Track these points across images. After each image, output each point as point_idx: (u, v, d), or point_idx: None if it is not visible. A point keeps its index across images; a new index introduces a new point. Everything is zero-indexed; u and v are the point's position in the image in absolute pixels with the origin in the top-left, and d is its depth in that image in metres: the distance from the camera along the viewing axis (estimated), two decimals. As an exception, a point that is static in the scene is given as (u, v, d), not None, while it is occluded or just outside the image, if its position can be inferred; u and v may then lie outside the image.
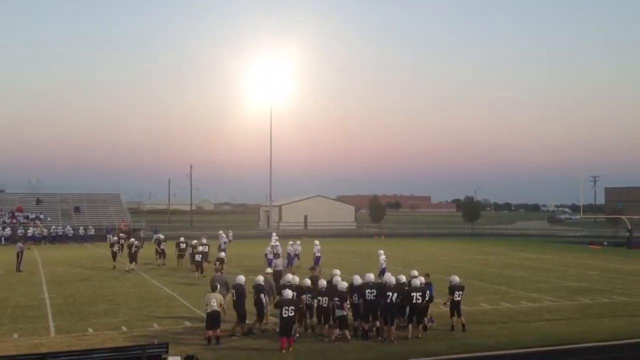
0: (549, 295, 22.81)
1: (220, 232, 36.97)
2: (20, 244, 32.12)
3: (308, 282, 16.29)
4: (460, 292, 16.42)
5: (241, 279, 15.98)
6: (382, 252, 26.49)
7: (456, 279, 16.76)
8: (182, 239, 32.95)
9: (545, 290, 23.96)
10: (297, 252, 30.83)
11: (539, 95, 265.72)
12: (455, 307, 16.29)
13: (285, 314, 14.11)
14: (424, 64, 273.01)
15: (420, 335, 15.35)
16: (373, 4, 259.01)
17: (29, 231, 52.76)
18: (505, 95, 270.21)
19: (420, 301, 15.49)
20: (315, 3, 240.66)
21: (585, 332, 16.21)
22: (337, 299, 15.04)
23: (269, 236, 34.86)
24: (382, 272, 22.28)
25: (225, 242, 34.53)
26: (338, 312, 15.02)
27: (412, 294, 15.49)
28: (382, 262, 25.69)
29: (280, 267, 22.80)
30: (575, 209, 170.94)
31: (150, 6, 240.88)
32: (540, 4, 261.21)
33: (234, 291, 15.61)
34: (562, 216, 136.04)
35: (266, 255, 28.02)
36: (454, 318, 16.28)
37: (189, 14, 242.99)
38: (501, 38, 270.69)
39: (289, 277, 16.68)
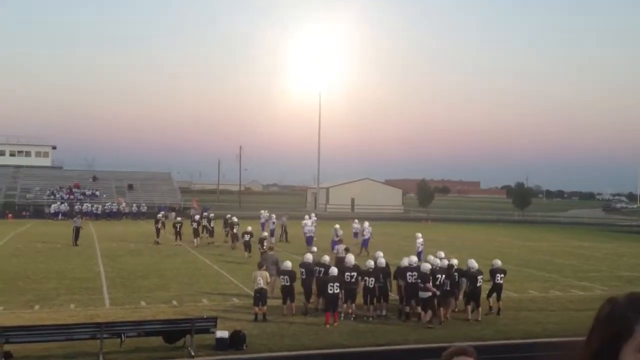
0: (601, 284, 22.22)
1: (261, 211, 38.50)
2: (77, 219, 33.28)
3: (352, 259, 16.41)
4: (502, 275, 16.22)
5: (309, 257, 16.59)
6: (419, 235, 26.47)
7: (498, 262, 16.58)
8: (228, 216, 33.82)
9: (597, 279, 23.36)
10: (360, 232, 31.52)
11: (594, 77, 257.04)
12: (496, 290, 16.13)
13: (330, 290, 14.44)
14: (478, 49, 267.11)
15: (479, 318, 15.36)
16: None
17: (84, 206, 54.84)
18: (558, 78, 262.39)
19: (481, 284, 15.66)
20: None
21: (638, 323, 15.74)
22: (420, 280, 15.07)
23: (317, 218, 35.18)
24: (418, 255, 21.99)
25: (274, 223, 34.99)
26: (422, 294, 14.97)
27: (478, 277, 15.62)
28: (419, 245, 25.59)
29: (342, 254, 21.73)
30: (632, 197, 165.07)
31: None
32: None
33: (303, 269, 15.99)
34: (618, 205, 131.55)
35: (332, 240, 28.21)
36: (490, 299, 16.14)
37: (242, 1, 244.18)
38: (557, 23, 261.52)
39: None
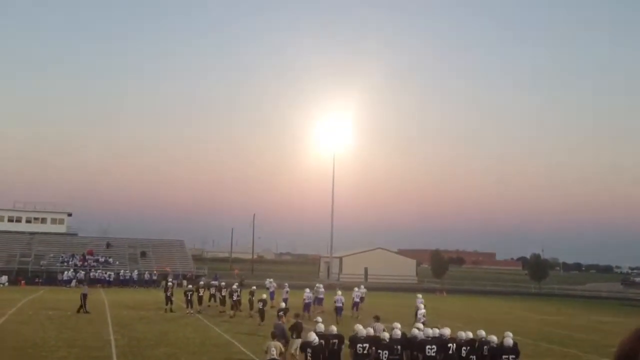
0: (623, 360, 21.54)
1: (269, 280, 39.35)
2: (83, 286, 33.23)
3: (364, 331, 16.00)
4: (513, 356, 15.48)
5: (333, 329, 16.06)
6: (422, 305, 26.25)
7: (509, 338, 15.88)
8: (234, 286, 33.54)
9: (618, 356, 22.65)
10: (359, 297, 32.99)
11: (613, 150, 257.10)
12: None
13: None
14: (492, 119, 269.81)
15: None
16: (443, 47, 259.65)
17: (98, 273, 55.16)
18: (574, 150, 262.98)
19: None
20: (380, 48, 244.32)
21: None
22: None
23: (329, 287, 35.20)
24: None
25: (287, 292, 34.82)
26: None
27: (504, 356, 14.89)
28: (420, 316, 25.27)
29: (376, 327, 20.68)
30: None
31: (217, 58, 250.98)
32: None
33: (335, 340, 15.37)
34: (637, 279, 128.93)
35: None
36: None
37: (251, 65, 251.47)
38: (568, 97, 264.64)
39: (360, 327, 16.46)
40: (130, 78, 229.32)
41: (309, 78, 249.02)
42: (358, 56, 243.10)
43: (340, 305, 30.61)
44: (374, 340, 15.69)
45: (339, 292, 31.45)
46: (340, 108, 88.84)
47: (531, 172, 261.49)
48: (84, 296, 31.43)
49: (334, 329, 16.11)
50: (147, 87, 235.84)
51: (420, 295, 30.75)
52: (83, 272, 56.27)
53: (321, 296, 33.59)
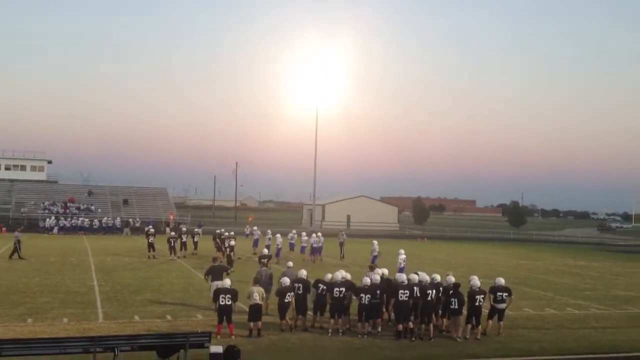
0: (597, 303, 22.23)
1: (255, 227, 39.97)
2: (17, 233, 31.67)
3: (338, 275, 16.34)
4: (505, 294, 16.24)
5: (303, 272, 16.35)
6: (402, 251, 26.70)
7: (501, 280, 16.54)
8: (218, 231, 34.49)
9: (592, 298, 23.36)
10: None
11: (592, 100, 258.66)
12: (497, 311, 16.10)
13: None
14: (476, 70, 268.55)
15: (479, 337, 15.36)
16: (428, 2, 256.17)
17: (80, 220, 55.03)
18: (554, 100, 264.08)
19: (482, 303, 15.54)
20: (367, 1, 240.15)
21: (633, 341, 15.74)
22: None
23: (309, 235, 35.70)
24: (399, 271, 21.70)
25: (269, 239, 35.17)
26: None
27: (476, 296, 15.50)
28: (400, 261, 25.64)
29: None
30: (626, 217, 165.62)
31: (203, 6, 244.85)
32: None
33: (300, 285, 15.81)
34: (613, 224, 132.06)
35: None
36: (490, 321, 16.08)
37: (239, 13, 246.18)
38: (554, 52, 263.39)
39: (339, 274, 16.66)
40: (114, 19, 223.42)
41: (295, 28, 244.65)
42: (343, 7, 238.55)
43: (320, 245, 33.68)
44: (353, 285, 15.93)
45: (319, 234, 34.36)
46: (324, 59, 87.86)
47: (512, 123, 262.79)
48: (18, 242, 30.49)
49: (303, 272, 16.53)
50: (130, 30, 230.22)
51: (375, 242, 31.84)
52: (68, 220, 56.12)
53: (292, 242, 35.71)
